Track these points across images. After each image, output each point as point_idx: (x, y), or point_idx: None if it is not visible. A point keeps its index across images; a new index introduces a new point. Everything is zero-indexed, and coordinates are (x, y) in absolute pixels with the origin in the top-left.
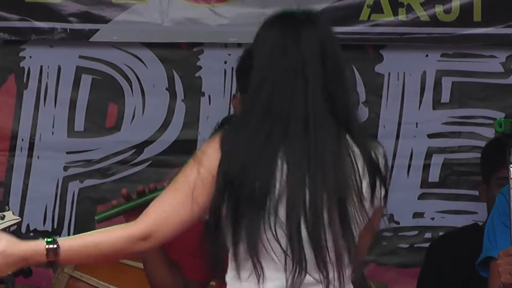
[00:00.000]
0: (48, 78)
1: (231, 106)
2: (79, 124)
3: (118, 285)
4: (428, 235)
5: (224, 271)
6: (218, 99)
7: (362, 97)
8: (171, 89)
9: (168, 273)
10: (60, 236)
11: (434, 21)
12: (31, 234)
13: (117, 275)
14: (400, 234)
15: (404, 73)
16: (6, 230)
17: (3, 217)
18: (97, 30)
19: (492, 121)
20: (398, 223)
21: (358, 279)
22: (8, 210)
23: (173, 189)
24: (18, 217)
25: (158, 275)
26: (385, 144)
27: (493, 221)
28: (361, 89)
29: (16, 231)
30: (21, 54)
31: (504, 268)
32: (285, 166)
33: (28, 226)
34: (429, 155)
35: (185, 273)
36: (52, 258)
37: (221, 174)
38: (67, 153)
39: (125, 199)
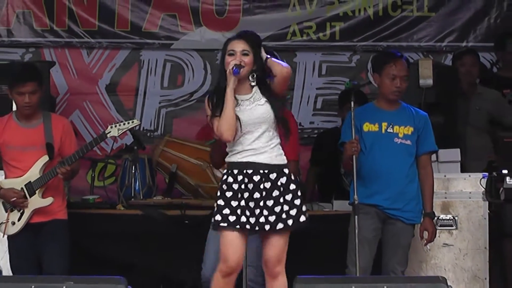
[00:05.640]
0: (152, 64)
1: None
2: (165, 84)
3: (190, 156)
4: (316, 131)
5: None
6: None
7: None
8: (205, 68)
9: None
10: (157, 132)
11: (319, 39)
12: (144, 131)
13: (190, 152)
14: (304, 131)
15: (305, 61)
16: (134, 128)
17: (132, 121)
18: (173, 43)
19: (343, 82)
20: (302, 126)
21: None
22: (134, 118)
23: None
24: (139, 121)
25: (218, 152)
26: (297, 93)
27: (345, 125)
28: None
29: (138, 130)
30: (140, 53)
31: (348, 149)
32: None
33: (143, 128)
34: (316, 97)
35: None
36: None
37: None
38: (160, 96)
39: None
